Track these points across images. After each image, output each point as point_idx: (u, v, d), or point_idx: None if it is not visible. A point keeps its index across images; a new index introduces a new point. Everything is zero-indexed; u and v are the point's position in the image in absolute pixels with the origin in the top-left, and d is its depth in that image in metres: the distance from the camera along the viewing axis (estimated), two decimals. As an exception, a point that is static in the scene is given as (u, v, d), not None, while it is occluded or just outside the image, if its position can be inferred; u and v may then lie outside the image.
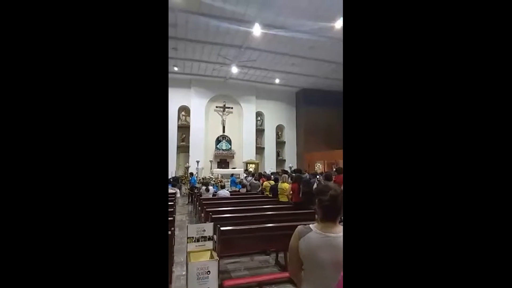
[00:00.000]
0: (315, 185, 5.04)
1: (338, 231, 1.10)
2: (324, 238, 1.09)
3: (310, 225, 1.15)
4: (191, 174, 10.26)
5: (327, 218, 1.13)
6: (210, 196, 6.86)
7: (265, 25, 8.20)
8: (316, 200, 1.18)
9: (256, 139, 14.33)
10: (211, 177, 11.02)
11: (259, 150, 14.52)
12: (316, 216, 1.23)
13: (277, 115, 14.88)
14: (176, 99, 12.84)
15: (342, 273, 0.92)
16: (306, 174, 6.65)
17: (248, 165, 12.83)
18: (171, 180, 9.78)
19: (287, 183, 5.68)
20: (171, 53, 10.09)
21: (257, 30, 8.33)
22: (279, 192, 5.75)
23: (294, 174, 6.22)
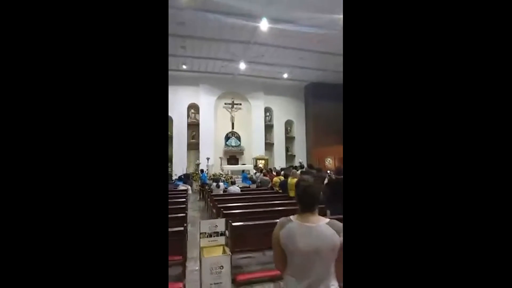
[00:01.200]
0: (325, 181, 5.00)
1: (316, 221, 1.17)
2: (302, 227, 1.16)
3: (291, 216, 1.24)
4: (202, 171, 10.37)
5: (304, 209, 1.20)
6: (221, 192, 6.89)
7: (272, 20, 8.11)
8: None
9: (265, 135, 14.29)
10: (221, 174, 11.11)
11: (268, 146, 14.49)
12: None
13: (286, 110, 14.78)
14: (185, 97, 12.95)
15: None
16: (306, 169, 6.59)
17: (258, 161, 12.85)
18: (182, 177, 9.90)
19: (297, 178, 5.66)
20: (179, 51, 10.14)
21: (264, 25, 8.26)
22: (288, 188, 5.74)
23: (303, 170, 6.19)
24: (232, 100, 13.79)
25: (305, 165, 9.72)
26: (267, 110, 14.64)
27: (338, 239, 1.10)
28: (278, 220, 1.19)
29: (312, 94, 14.12)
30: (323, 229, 1.13)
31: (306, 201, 1.20)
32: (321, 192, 1.23)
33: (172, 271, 2.85)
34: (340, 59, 10.54)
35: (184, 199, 5.60)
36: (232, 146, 13.64)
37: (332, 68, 11.59)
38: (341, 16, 7.69)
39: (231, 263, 2.71)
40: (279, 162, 13.74)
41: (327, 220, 1.17)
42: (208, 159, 11.86)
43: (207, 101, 13.31)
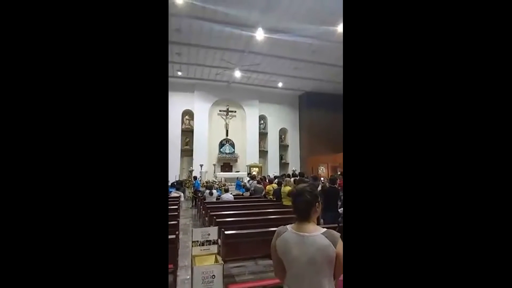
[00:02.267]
0: (319, 188, 5.03)
1: (311, 230, 1.15)
2: (297, 237, 1.15)
3: (287, 226, 1.22)
4: (195, 177, 10.27)
5: (298, 218, 1.19)
6: (214, 199, 6.82)
7: (268, 29, 8.25)
8: None
9: (259, 143, 14.33)
10: (214, 181, 11.03)
11: (262, 153, 14.50)
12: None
13: (280, 119, 14.89)
14: (179, 103, 12.93)
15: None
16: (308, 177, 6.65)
17: (252, 168, 12.82)
18: (175, 183, 9.80)
19: (290, 186, 5.66)
20: (174, 58, 10.18)
21: (260, 34, 8.39)
22: (282, 196, 5.73)
23: (297, 178, 6.21)
24: (227, 107, 13.83)
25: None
26: (262, 118, 14.71)
27: (333, 250, 1.08)
28: (271, 229, 1.20)
29: (306, 103, 14.28)
30: (317, 239, 1.11)
31: (301, 210, 1.18)
32: (317, 202, 1.20)
33: (163, 281, 2.78)
34: (333, 70, 10.78)
35: (176, 207, 5.52)
36: (226, 153, 13.61)
37: (326, 78, 11.79)
38: (335, 27, 7.88)
39: (223, 272, 2.67)
40: (273, 170, 13.74)
41: (323, 230, 1.15)
42: (201, 166, 11.78)
43: (201, 108, 13.31)
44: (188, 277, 3.22)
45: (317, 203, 1.19)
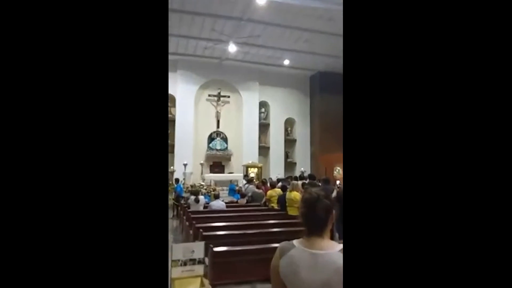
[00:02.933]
0: (334, 194, 5.04)
1: (325, 247, 1.14)
2: (308, 255, 1.14)
3: (294, 241, 1.21)
4: (177, 180, 10.31)
5: (310, 231, 1.18)
6: (201, 208, 6.94)
7: (271, -9, 8.20)
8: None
9: (260, 137, 14.39)
10: (201, 185, 11.09)
11: (263, 150, 14.57)
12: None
13: (286, 106, 14.92)
14: (158, 85, 12.94)
15: None
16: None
17: (249, 169, 12.88)
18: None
19: (298, 192, 5.68)
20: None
21: (260, -3, 8.34)
22: (287, 204, 5.76)
23: (306, 181, 6.23)
24: (218, 91, 13.82)
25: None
26: (263, 105, 14.74)
27: None
28: (272, 245, 1.18)
29: (320, 86, 14.29)
30: (334, 258, 1.10)
31: (314, 222, 1.17)
32: (333, 211, 1.21)
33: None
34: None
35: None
36: (217, 150, 13.65)
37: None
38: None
39: (211, 300, 2.67)
40: (276, 171, 13.80)
41: (340, 246, 1.14)
42: (185, 165, 11.83)
43: (185, 92, 13.31)
44: (166, 305, 3.22)
45: (333, 213, 1.20)
